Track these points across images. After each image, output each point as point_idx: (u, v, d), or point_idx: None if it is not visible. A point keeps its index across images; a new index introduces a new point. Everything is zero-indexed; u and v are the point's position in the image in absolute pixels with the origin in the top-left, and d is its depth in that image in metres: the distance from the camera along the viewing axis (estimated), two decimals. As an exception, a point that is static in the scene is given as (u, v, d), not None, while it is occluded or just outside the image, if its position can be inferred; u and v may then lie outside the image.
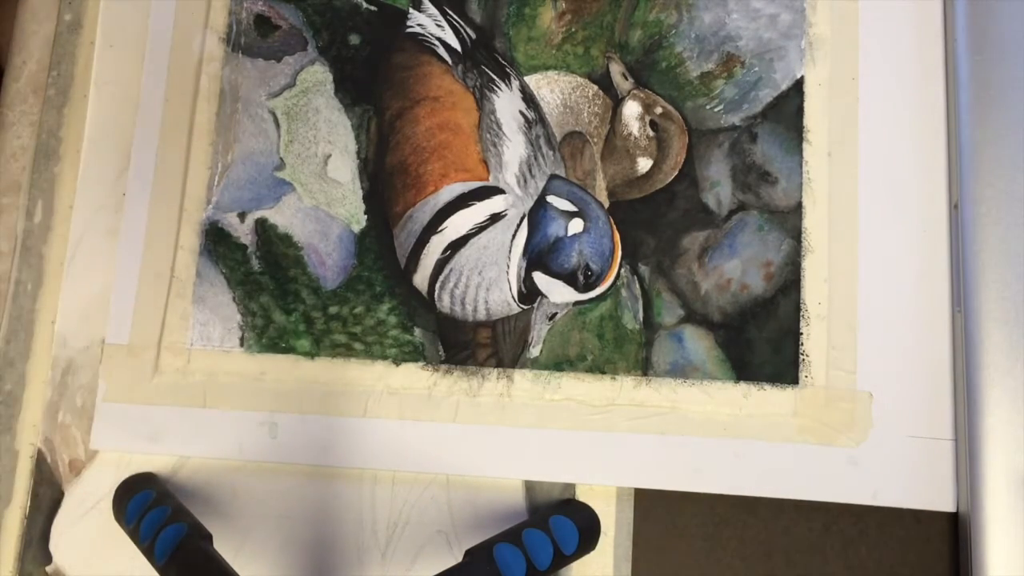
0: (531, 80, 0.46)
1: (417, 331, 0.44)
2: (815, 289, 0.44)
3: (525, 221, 0.45)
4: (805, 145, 0.45)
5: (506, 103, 0.46)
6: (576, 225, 0.45)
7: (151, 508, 0.40)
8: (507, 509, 0.43)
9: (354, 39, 0.47)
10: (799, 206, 0.45)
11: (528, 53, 0.46)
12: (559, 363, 0.44)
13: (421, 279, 0.45)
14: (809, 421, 0.43)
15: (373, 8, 0.47)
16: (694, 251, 0.45)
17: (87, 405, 0.45)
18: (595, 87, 0.46)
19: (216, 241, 0.45)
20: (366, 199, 0.46)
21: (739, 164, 0.45)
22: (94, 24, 0.48)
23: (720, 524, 0.43)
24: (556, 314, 0.44)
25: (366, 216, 0.45)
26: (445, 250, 0.45)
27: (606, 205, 0.45)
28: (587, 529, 0.41)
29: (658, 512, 0.43)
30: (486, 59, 0.46)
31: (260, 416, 0.44)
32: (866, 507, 0.43)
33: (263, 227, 0.45)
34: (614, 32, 0.46)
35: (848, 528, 0.43)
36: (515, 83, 0.46)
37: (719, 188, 0.45)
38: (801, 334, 0.44)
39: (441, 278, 0.45)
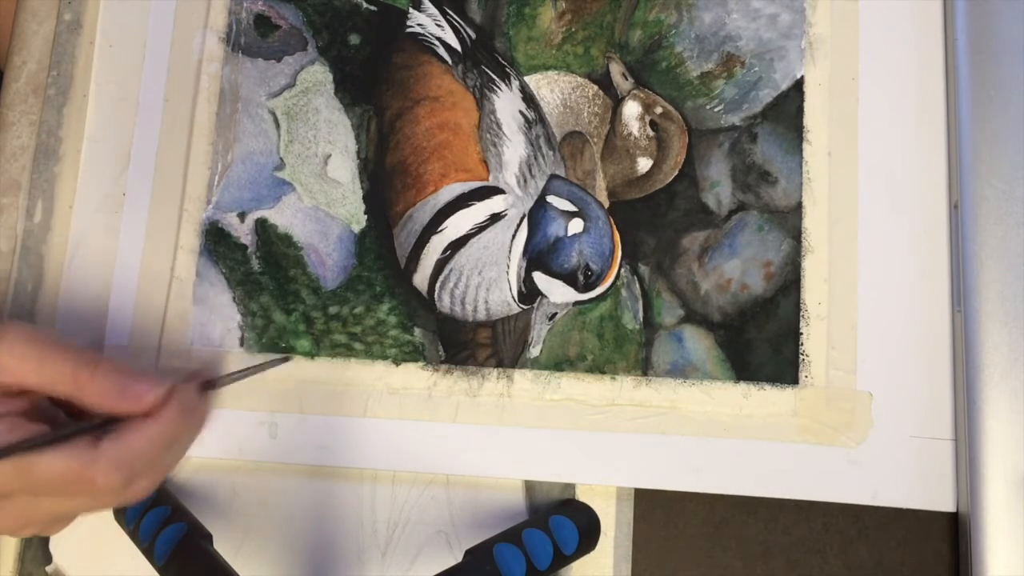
0: (531, 80, 0.46)
1: (417, 331, 0.44)
2: (815, 289, 0.44)
3: (525, 221, 0.45)
4: (805, 145, 0.45)
5: (506, 103, 0.46)
6: (576, 225, 0.45)
7: (151, 508, 0.40)
8: (507, 509, 0.43)
9: (354, 39, 0.47)
10: (799, 206, 0.45)
11: (528, 53, 0.46)
12: (559, 363, 0.44)
13: (421, 279, 0.45)
14: (809, 421, 0.43)
15: (373, 8, 0.47)
16: (694, 251, 0.45)
17: (87, 405, 0.44)
18: (595, 87, 0.46)
19: (216, 241, 0.45)
20: (366, 199, 0.46)
21: (739, 164, 0.45)
22: (94, 24, 0.48)
23: (720, 524, 0.43)
24: (556, 314, 0.44)
25: (366, 216, 0.45)
26: (445, 250, 0.45)
27: (606, 205, 0.45)
28: (587, 529, 0.41)
29: (658, 512, 0.43)
30: (486, 59, 0.46)
31: (260, 416, 0.44)
32: (866, 507, 0.43)
33: (263, 227, 0.45)
34: (614, 32, 0.46)
35: (848, 528, 0.43)
36: (515, 83, 0.46)
37: (719, 188, 0.45)
38: (801, 334, 0.44)
39: (441, 278, 0.44)
